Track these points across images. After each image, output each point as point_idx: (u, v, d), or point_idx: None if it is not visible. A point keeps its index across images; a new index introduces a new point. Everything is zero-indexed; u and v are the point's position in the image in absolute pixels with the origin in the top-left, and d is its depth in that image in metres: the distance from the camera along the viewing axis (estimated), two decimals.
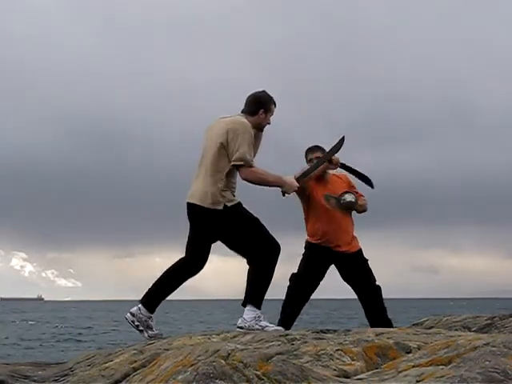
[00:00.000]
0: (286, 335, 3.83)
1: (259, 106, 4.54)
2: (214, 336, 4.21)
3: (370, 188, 5.57)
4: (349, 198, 5.41)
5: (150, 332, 4.49)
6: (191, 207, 4.50)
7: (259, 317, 4.41)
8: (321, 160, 5.32)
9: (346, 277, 5.53)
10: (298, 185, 4.69)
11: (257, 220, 4.52)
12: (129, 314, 4.49)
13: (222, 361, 2.64)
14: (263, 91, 4.65)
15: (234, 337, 4.11)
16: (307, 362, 3.20)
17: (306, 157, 5.53)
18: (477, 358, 2.68)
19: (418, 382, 2.63)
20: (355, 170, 5.56)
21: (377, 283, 5.49)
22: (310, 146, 5.56)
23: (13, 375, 3.64)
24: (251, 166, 4.39)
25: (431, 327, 6.26)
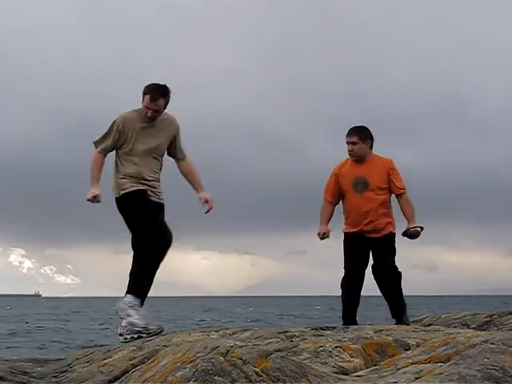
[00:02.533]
0: (285, 332, 3.84)
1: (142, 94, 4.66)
2: (212, 333, 4.22)
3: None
4: (415, 231, 5.27)
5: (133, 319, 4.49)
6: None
7: (133, 306, 4.48)
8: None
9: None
10: (92, 196, 4.58)
11: (148, 211, 4.60)
12: (120, 338, 4.50)
13: (221, 357, 2.64)
14: (156, 84, 4.66)
15: (233, 333, 4.11)
16: (306, 358, 3.21)
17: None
18: (475, 355, 2.69)
19: (416, 378, 2.64)
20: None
21: (396, 271, 5.22)
22: (351, 127, 5.33)
23: (12, 371, 3.64)
24: (96, 151, 4.66)
25: (430, 324, 6.27)
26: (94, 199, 4.58)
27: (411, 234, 5.26)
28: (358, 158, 5.24)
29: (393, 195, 5.31)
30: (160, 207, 4.72)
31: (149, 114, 4.61)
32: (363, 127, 5.32)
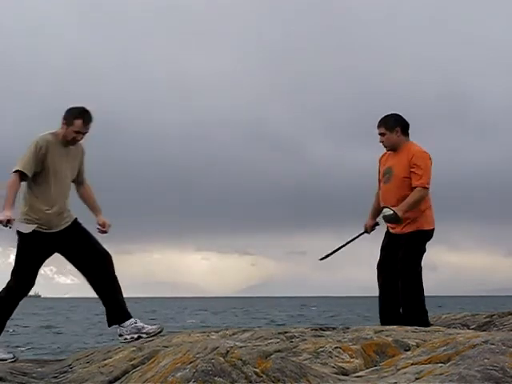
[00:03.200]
0: (285, 333, 3.84)
1: (63, 117, 4.56)
2: (212, 333, 4.22)
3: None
4: (386, 212, 4.99)
5: (145, 329, 4.45)
6: None
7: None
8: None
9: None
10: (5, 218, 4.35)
11: (30, 253, 4.51)
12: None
13: (221, 358, 2.64)
14: (77, 106, 4.61)
15: (233, 334, 4.11)
16: (306, 359, 3.21)
17: None
18: (475, 355, 2.69)
19: (416, 379, 2.64)
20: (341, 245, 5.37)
21: (409, 271, 4.92)
22: (382, 116, 5.13)
23: (12, 372, 3.65)
24: (15, 172, 4.40)
25: (430, 325, 6.26)
26: (8, 223, 4.34)
27: (382, 215, 5.06)
28: (391, 148, 5.07)
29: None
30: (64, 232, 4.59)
31: (79, 138, 4.55)
32: (389, 115, 5.11)
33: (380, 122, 5.09)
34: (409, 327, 4.18)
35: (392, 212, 4.88)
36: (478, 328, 5.71)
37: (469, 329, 5.62)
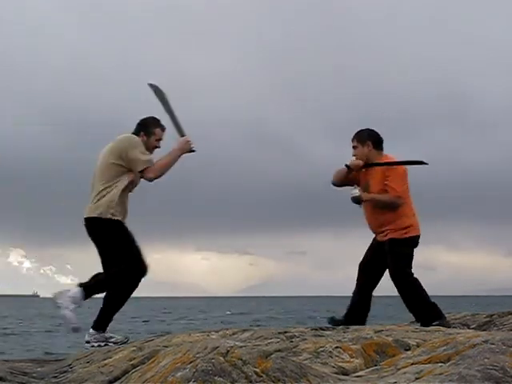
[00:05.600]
0: (285, 332, 3.84)
1: (140, 128, 4.81)
2: (212, 333, 4.22)
3: (425, 165, 5.21)
4: (353, 191, 5.19)
5: (113, 339, 4.56)
6: (86, 221, 4.69)
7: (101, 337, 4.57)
8: (171, 115, 5.02)
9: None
10: (188, 139, 4.82)
11: (132, 242, 4.67)
12: (87, 345, 4.58)
13: (221, 358, 2.64)
14: (150, 116, 4.88)
15: (233, 334, 4.11)
16: (306, 359, 3.21)
17: None
18: (475, 355, 2.69)
19: (417, 379, 2.64)
20: (396, 162, 5.16)
21: (400, 275, 5.05)
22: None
23: (12, 372, 3.64)
24: (151, 164, 4.66)
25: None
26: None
27: (351, 196, 5.20)
28: (366, 161, 5.18)
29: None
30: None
31: (159, 146, 4.83)
32: (363, 129, 5.27)
33: (353, 135, 5.27)
34: (409, 327, 4.18)
35: (358, 194, 5.13)
36: (478, 328, 5.70)
37: (469, 329, 5.62)
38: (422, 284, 5.07)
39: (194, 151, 4.88)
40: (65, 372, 3.73)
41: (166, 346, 3.62)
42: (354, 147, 5.22)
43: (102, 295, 4.66)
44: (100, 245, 4.68)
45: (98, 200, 4.61)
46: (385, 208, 5.09)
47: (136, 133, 4.79)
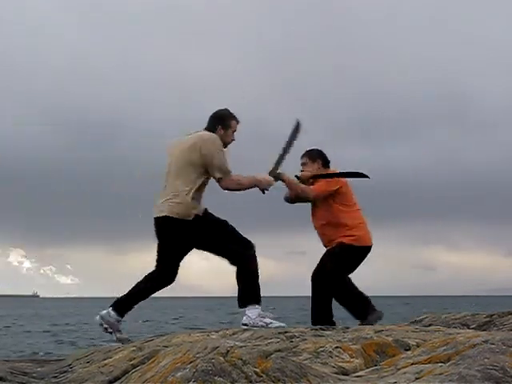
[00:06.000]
0: (285, 332, 3.84)
1: (217, 122, 4.74)
2: (213, 333, 4.22)
3: (367, 178, 5.48)
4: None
5: (118, 334, 4.58)
6: (161, 221, 4.61)
7: (262, 313, 4.53)
8: (285, 150, 5.29)
9: None
10: (272, 179, 4.95)
11: (226, 222, 4.70)
12: (98, 317, 4.60)
13: (221, 358, 2.63)
14: (225, 109, 4.83)
15: (233, 334, 4.11)
16: (306, 359, 3.21)
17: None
18: (475, 355, 2.69)
19: (417, 379, 2.64)
20: (341, 173, 5.46)
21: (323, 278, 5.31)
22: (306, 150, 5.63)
23: (12, 372, 3.64)
24: (230, 175, 4.62)
25: (430, 324, 6.26)
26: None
27: None
28: (312, 178, 5.49)
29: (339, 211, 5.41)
30: None
31: (234, 139, 4.79)
32: (313, 149, 5.62)
33: (304, 153, 5.61)
34: (409, 327, 4.18)
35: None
36: (478, 328, 5.70)
37: (469, 329, 5.62)
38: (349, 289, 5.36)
39: (264, 192, 4.94)
40: (65, 372, 3.73)
41: (166, 346, 3.62)
42: (303, 164, 5.55)
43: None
44: (175, 244, 4.63)
45: (176, 198, 4.54)
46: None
47: (212, 127, 4.72)
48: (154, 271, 4.68)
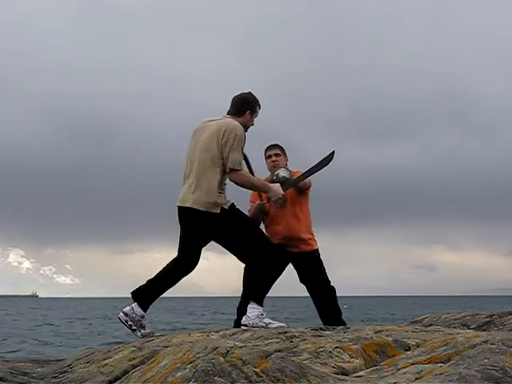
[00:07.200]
0: (285, 332, 3.84)
1: (246, 106, 4.63)
2: (212, 333, 4.22)
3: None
4: (282, 173, 5.30)
5: (142, 331, 4.53)
6: (186, 211, 4.53)
7: (262, 314, 4.49)
8: (307, 173, 5.28)
9: (301, 278, 5.60)
10: (282, 193, 4.79)
11: (251, 221, 4.68)
12: (122, 314, 4.53)
13: (221, 358, 2.63)
14: (249, 92, 4.73)
15: (233, 334, 4.11)
16: (306, 359, 3.20)
17: (265, 154, 5.63)
18: (475, 355, 2.69)
19: (417, 379, 2.63)
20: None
21: (331, 284, 5.55)
22: (270, 144, 5.66)
23: (12, 372, 3.64)
24: (241, 170, 4.51)
25: (430, 325, 6.26)
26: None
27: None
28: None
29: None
30: None
31: (249, 127, 4.68)
32: (277, 144, 5.67)
33: (275, 145, 5.66)
34: (409, 327, 4.18)
35: (289, 175, 5.32)
36: (478, 328, 5.71)
37: (469, 329, 5.62)
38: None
39: (269, 201, 4.96)
40: (65, 372, 3.73)
41: (166, 346, 3.61)
42: (277, 154, 5.54)
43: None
44: (199, 235, 4.55)
45: (201, 189, 4.44)
46: (301, 213, 5.51)
47: (241, 111, 4.61)
48: (175, 259, 4.61)
